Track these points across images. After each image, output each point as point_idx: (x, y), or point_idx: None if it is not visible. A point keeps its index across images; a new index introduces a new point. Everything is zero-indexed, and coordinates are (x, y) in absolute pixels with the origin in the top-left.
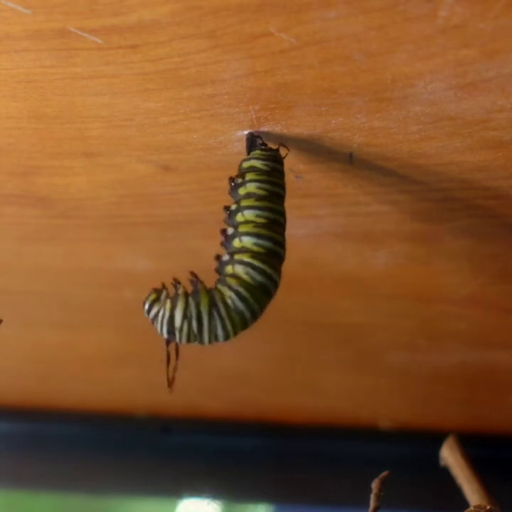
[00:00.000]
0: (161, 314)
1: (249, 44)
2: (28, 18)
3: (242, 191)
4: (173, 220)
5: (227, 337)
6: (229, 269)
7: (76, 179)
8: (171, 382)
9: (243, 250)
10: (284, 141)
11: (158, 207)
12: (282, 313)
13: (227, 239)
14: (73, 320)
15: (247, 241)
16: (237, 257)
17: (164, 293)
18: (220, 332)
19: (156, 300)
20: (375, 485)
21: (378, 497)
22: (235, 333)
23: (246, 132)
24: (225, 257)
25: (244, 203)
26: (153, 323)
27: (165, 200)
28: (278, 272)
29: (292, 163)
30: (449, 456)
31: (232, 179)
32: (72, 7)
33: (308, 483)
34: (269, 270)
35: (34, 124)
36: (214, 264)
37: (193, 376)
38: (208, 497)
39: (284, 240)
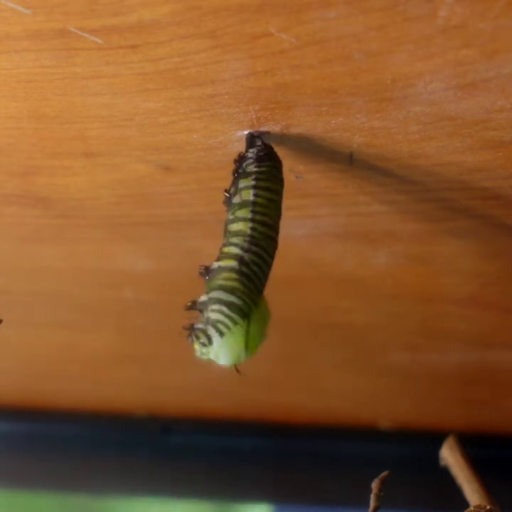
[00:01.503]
0: (221, 326)
1: (249, 44)
2: (28, 18)
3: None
4: (173, 220)
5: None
6: (233, 226)
7: (76, 179)
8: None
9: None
10: (284, 141)
11: (158, 207)
12: (282, 313)
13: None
14: (73, 320)
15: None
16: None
17: (199, 324)
18: (265, 255)
19: (201, 331)
20: (375, 485)
21: (378, 497)
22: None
23: (246, 132)
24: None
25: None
26: (222, 348)
27: (165, 200)
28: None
29: (292, 163)
30: (449, 456)
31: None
32: (72, 7)
33: (308, 483)
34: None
35: (34, 124)
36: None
37: (193, 376)
38: (208, 497)
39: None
